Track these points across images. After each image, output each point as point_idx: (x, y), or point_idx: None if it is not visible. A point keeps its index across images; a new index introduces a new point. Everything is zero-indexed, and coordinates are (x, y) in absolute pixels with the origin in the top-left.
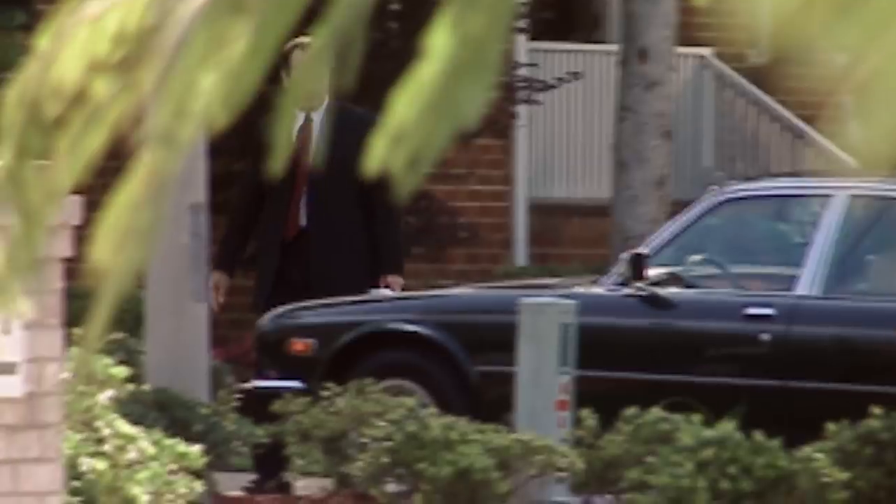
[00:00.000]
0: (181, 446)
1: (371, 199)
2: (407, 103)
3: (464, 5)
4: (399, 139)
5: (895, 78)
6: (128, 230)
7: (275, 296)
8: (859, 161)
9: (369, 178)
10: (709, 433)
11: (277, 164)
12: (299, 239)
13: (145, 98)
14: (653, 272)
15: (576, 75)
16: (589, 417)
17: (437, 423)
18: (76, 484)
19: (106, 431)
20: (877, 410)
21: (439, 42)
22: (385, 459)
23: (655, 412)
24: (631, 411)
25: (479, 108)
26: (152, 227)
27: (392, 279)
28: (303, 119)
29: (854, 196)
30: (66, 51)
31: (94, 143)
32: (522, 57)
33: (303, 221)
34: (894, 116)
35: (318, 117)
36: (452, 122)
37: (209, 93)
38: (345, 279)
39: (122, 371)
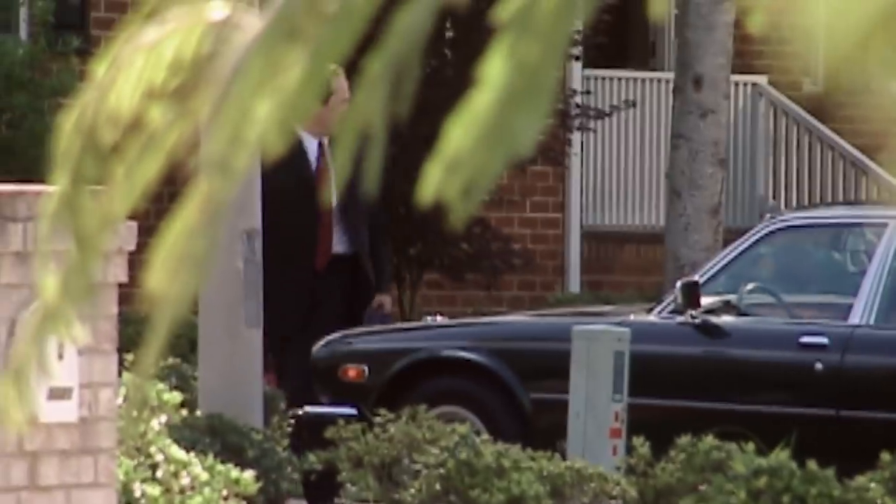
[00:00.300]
0: (234, 472)
1: (370, 219)
2: (462, 131)
3: (518, 33)
4: (454, 167)
5: None
6: (182, 256)
7: (310, 327)
8: None
9: (368, 198)
10: (762, 462)
11: (340, 189)
12: (333, 266)
13: (201, 125)
14: (706, 300)
15: (631, 104)
16: (642, 445)
17: (489, 450)
18: None
19: (159, 457)
20: None
21: (494, 70)
22: (437, 486)
23: (709, 441)
24: (684, 440)
25: (534, 136)
26: (207, 254)
27: (385, 298)
28: (317, 145)
29: None
30: (123, 78)
31: (150, 169)
32: (577, 84)
33: (338, 248)
34: None
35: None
36: (507, 150)
37: (264, 120)
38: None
39: (175, 397)
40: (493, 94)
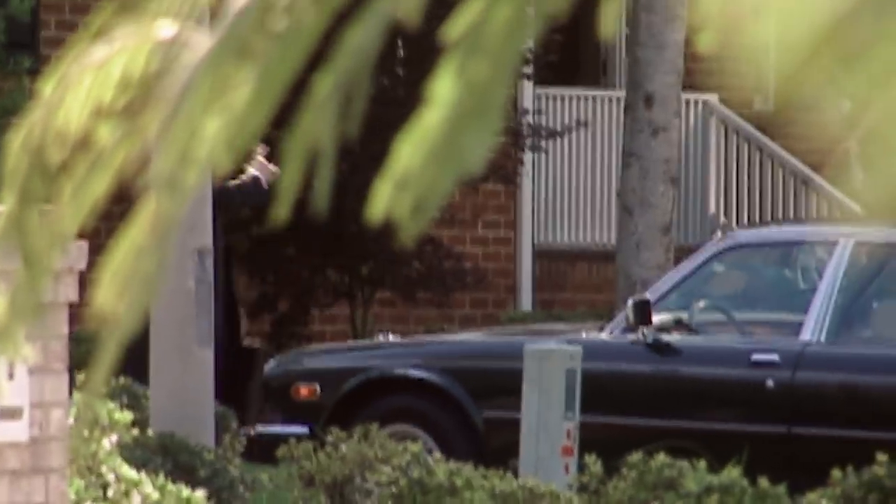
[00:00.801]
0: (185, 491)
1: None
2: (411, 149)
3: (468, 52)
4: (403, 185)
5: None
6: (132, 275)
7: None
8: (864, 208)
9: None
10: (714, 479)
11: (283, 210)
12: None
13: (150, 143)
14: (658, 318)
15: (582, 123)
16: (594, 463)
17: (442, 468)
18: None
19: (110, 476)
20: (882, 457)
21: (443, 88)
22: None
23: (660, 458)
24: (636, 457)
25: (484, 155)
26: (157, 272)
27: None
28: None
29: (859, 243)
30: (71, 96)
31: (99, 188)
32: (528, 103)
33: None
34: None
35: None
36: (457, 169)
37: (213, 138)
38: None
39: (126, 416)
40: (443, 113)
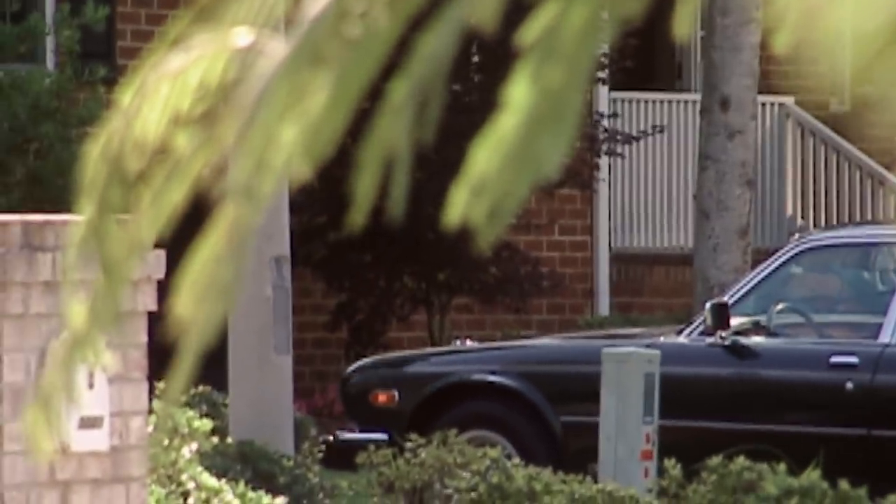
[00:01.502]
0: (265, 499)
1: None
2: (487, 155)
3: (543, 57)
4: (479, 191)
5: None
6: (210, 283)
7: None
8: None
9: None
10: (793, 482)
11: (360, 217)
12: None
13: (227, 151)
14: (736, 321)
15: (659, 129)
16: (673, 467)
17: (520, 473)
18: None
19: (191, 485)
20: None
21: (519, 93)
22: None
23: (740, 462)
24: (715, 461)
25: (560, 160)
26: (234, 280)
27: None
28: None
29: None
30: (149, 105)
31: (176, 196)
32: (604, 107)
33: None
34: None
35: None
36: (532, 174)
37: (290, 145)
38: None
39: (206, 424)
40: (518, 118)
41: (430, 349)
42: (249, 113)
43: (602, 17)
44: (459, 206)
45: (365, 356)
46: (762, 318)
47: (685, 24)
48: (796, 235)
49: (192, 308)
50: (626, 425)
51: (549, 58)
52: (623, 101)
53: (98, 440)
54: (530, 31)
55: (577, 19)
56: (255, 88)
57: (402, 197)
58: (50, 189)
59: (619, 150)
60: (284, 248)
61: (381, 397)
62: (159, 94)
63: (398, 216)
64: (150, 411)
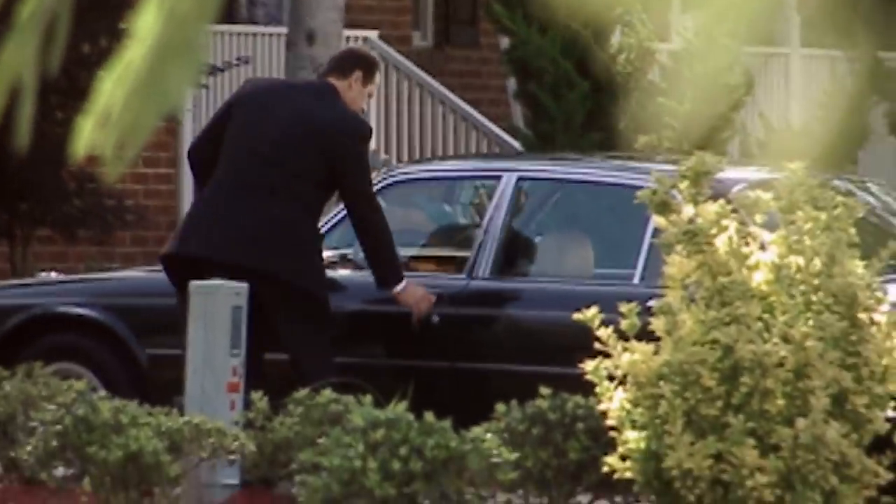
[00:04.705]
0: None
1: None
2: (114, 86)
3: None
4: (107, 122)
5: None
6: None
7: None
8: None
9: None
10: (379, 415)
11: None
12: None
13: None
14: (324, 255)
15: (245, 60)
16: (260, 400)
17: (106, 406)
18: None
19: None
20: (545, 391)
21: (146, 23)
22: (54, 443)
23: (326, 394)
24: (302, 393)
25: (187, 91)
26: None
27: None
28: None
29: (521, 178)
30: None
31: None
32: None
33: None
34: None
35: None
36: (161, 105)
37: None
38: None
39: None
40: (146, 48)
41: (12, 280)
42: None
43: None
44: (86, 136)
45: None
46: (349, 252)
47: None
48: (382, 169)
49: None
50: (213, 358)
51: None
52: (212, 33)
53: None
54: None
55: None
56: None
57: (28, 124)
58: None
59: (205, 81)
60: None
61: None
62: None
63: (23, 144)
64: None
